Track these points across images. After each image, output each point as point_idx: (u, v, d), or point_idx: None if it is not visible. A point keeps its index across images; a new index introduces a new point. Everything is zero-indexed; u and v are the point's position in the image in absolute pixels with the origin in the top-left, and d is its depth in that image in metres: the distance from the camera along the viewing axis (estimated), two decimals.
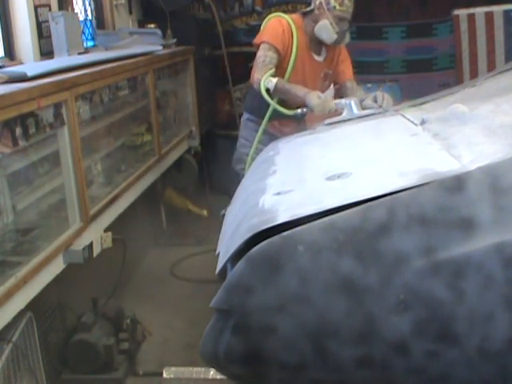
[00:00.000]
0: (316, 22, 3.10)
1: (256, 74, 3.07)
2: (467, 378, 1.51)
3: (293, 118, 3.10)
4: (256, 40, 3.18)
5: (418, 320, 1.47)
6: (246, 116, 3.40)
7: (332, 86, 3.75)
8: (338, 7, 3.02)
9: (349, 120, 2.74)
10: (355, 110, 2.81)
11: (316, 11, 3.09)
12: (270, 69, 3.04)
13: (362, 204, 1.51)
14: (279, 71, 3.12)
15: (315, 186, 1.78)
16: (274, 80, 3.00)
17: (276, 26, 3.13)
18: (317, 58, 3.21)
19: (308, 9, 3.16)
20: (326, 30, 3.07)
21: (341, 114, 2.84)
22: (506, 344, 1.45)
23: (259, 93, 3.04)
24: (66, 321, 2.95)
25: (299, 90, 3.01)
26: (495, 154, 1.57)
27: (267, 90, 3.00)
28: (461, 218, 1.47)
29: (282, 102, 3.08)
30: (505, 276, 1.43)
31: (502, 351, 1.46)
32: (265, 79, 2.99)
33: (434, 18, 5.01)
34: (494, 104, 2.02)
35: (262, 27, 3.24)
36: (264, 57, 3.07)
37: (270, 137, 3.12)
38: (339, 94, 3.55)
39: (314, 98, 2.91)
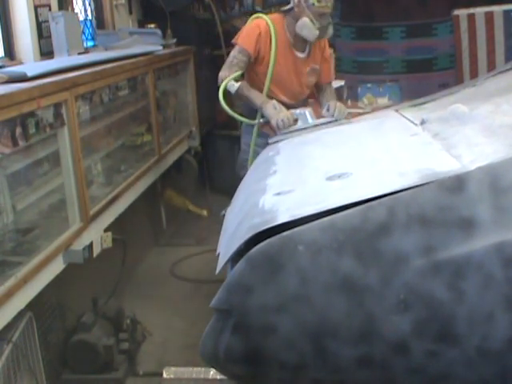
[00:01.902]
0: (296, 19, 3.11)
1: (221, 72, 3.12)
2: (467, 377, 1.51)
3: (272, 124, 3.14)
4: (233, 40, 3.23)
5: (418, 320, 1.47)
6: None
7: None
8: (316, 3, 3.03)
9: (303, 129, 2.82)
10: (310, 120, 2.91)
11: (295, 9, 3.11)
12: (236, 71, 3.09)
13: (362, 204, 1.51)
14: (261, 71, 3.16)
15: (315, 186, 1.78)
16: (237, 84, 3.05)
17: (253, 29, 3.16)
18: (300, 54, 3.23)
19: (287, 7, 3.18)
20: (306, 27, 3.08)
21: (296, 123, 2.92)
22: (506, 344, 1.46)
23: (235, 96, 3.09)
24: (66, 321, 2.95)
25: (257, 99, 3.07)
26: (495, 154, 1.57)
27: (226, 93, 3.05)
28: (461, 218, 1.47)
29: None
30: (505, 276, 1.43)
31: (502, 351, 1.46)
32: (226, 83, 3.04)
33: (433, 17, 5.01)
34: (493, 104, 2.03)
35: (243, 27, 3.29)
36: (233, 58, 3.13)
37: (266, 138, 3.13)
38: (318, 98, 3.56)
39: (270, 108, 2.99)
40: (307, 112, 2.93)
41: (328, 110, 2.99)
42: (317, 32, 3.09)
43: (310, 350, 1.53)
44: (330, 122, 2.89)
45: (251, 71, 3.19)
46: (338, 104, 3.00)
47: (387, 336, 1.49)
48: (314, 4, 3.02)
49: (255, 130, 3.20)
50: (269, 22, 3.15)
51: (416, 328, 1.47)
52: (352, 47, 5.31)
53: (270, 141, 2.84)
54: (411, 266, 1.46)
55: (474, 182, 1.50)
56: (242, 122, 3.36)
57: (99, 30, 4.29)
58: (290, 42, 3.17)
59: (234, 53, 3.15)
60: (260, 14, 3.29)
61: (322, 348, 1.52)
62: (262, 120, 3.07)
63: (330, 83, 3.42)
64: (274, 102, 3.01)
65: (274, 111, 2.95)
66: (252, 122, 3.12)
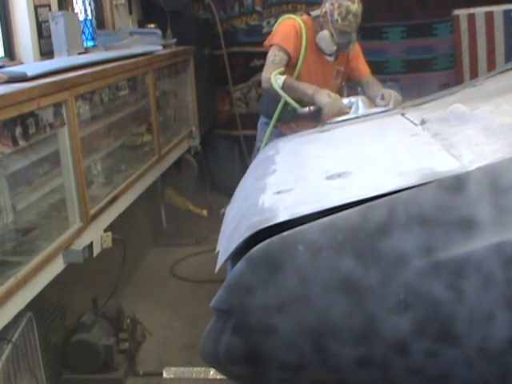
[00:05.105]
0: (321, 27, 3.09)
1: (264, 73, 3.08)
2: (467, 378, 1.51)
3: (309, 119, 3.07)
4: (267, 42, 3.18)
5: (418, 320, 1.47)
6: (263, 120, 3.38)
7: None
8: (340, 21, 2.98)
9: (356, 118, 2.77)
10: (361, 109, 2.86)
11: (321, 18, 3.09)
12: (280, 67, 3.04)
13: (362, 203, 1.51)
14: (288, 72, 3.11)
15: (315, 185, 1.78)
16: (283, 77, 3.00)
17: (288, 28, 3.12)
18: (328, 58, 3.18)
19: (316, 13, 3.15)
20: (324, 40, 3.06)
21: (349, 112, 2.87)
22: (506, 344, 1.46)
23: (274, 95, 3.03)
24: (66, 321, 2.95)
25: (308, 88, 3.01)
26: (495, 154, 1.57)
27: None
28: (461, 218, 1.47)
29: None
30: (505, 276, 1.43)
31: (502, 351, 1.46)
32: (274, 76, 2.99)
33: (433, 17, 5.00)
34: (493, 104, 2.03)
35: (274, 29, 3.24)
36: (274, 56, 3.07)
37: None
38: (347, 91, 3.54)
39: (324, 96, 2.94)
40: (360, 101, 2.89)
41: (383, 98, 2.95)
42: (334, 47, 3.07)
43: (309, 350, 1.53)
44: (383, 111, 2.83)
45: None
46: (393, 93, 2.96)
47: (387, 336, 1.49)
48: (337, 21, 2.99)
49: (269, 129, 3.18)
50: (301, 23, 3.12)
51: (416, 328, 1.47)
52: None
53: (320, 128, 2.79)
54: (411, 266, 1.46)
55: (473, 182, 1.50)
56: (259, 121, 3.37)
57: (99, 30, 4.29)
58: (318, 46, 3.14)
59: (273, 52, 3.09)
60: (291, 15, 3.25)
61: (322, 348, 1.52)
62: (312, 108, 2.99)
63: (368, 76, 3.35)
64: (328, 90, 2.97)
65: (329, 99, 2.92)
66: (303, 110, 3.02)
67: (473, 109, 1.98)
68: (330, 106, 2.91)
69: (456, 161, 1.61)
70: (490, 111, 1.95)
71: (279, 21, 3.24)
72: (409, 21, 5.11)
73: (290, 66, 3.11)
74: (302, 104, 3.03)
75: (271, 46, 3.12)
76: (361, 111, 2.85)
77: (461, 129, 1.87)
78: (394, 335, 1.49)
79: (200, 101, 4.98)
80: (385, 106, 2.91)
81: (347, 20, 2.98)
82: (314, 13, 3.18)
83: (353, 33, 3.06)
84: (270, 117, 3.25)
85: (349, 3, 2.97)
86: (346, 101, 2.95)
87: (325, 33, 3.05)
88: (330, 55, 3.18)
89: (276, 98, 3.07)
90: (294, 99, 3.02)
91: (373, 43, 5.14)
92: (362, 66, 3.34)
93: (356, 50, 3.28)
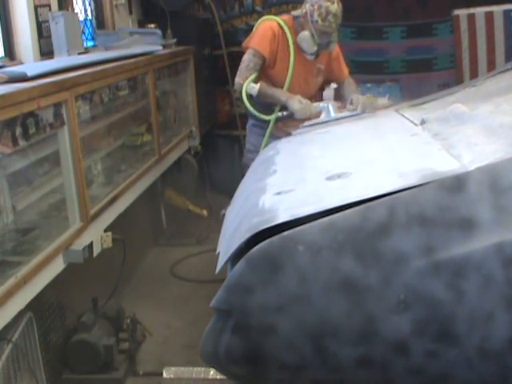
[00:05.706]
0: (302, 27, 3.13)
1: (237, 78, 3.15)
2: (467, 377, 1.51)
3: (294, 119, 3.13)
4: (245, 44, 3.24)
5: (418, 320, 1.47)
6: (250, 122, 3.43)
7: (332, 85, 3.77)
8: (320, 22, 3.03)
9: (325, 123, 2.86)
10: (332, 113, 2.96)
11: (301, 19, 3.13)
12: (252, 73, 3.11)
13: (362, 204, 1.51)
14: (273, 74, 3.16)
15: (315, 185, 1.78)
16: (257, 86, 3.08)
17: (265, 30, 3.17)
18: (308, 56, 3.22)
19: (297, 13, 3.19)
20: (305, 41, 3.11)
21: (319, 116, 2.97)
22: (506, 344, 1.45)
23: (258, 97, 3.09)
24: (66, 321, 2.95)
25: (281, 95, 3.11)
26: (495, 154, 1.57)
27: (249, 96, 3.10)
28: (461, 218, 1.47)
29: (263, 107, 3.16)
30: (505, 276, 1.43)
31: (502, 351, 1.46)
32: (246, 85, 3.08)
33: (433, 18, 5.01)
34: (493, 104, 2.02)
35: (253, 30, 3.29)
36: (248, 61, 3.14)
37: (275, 139, 3.13)
38: (340, 93, 3.56)
39: (296, 103, 3.05)
40: (330, 105, 2.99)
41: (351, 103, 3.01)
42: (315, 48, 3.12)
43: (309, 351, 1.53)
44: (352, 115, 2.90)
45: (262, 74, 3.19)
46: (361, 98, 3.01)
47: (387, 336, 1.49)
48: (317, 21, 3.04)
49: (269, 130, 3.22)
50: (282, 23, 3.16)
51: (416, 328, 1.47)
52: (352, 47, 5.31)
53: (293, 133, 2.85)
54: (411, 266, 1.46)
55: (473, 182, 1.50)
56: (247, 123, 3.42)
57: (99, 30, 4.29)
58: (299, 44, 3.18)
59: (248, 56, 3.16)
60: (270, 16, 3.30)
61: (322, 348, 1.52)
62: (284, 113, 3.12)
63: (347, 77, 3.41)
64: (299, 97, 3.07)
65: (300, 106, 3.03)
66: (276, 114, 3.13)
67: (473, 109, 1.98)
68: (301, 111, 3.03)
69: (456, 161, 1.61)
70: (490, 111, 1.95)
71: (258, 22, 3.29)
72: (409, 21, 5.11)
73: (269, 67, 3.18)
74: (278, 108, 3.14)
75: (248, 48, 3.18)
76: (332, 115, 2.96)
77: (461, 129, 1.87)
78: (393, 335, 1.49)
79: (200, 101, 4.98)
80: (353, 110, 2.98)
81: (327, 21, 3.03)
82: (295, 13, 3.22)
83: (333, 33, 3.11)
84: (255, 118, 3.30)
85: (328, 4, 3.01)
86: (316, 105, 3.05)
87: (305, 33, 3.10)
88: (311, 54, 3.22)
89: (259, 100, 3.13)
90: (268, 104, 3.14)
91: (373, 43, 5.15)
92: (343, 67, 3.42)
93: (336, 50, 3.34)
